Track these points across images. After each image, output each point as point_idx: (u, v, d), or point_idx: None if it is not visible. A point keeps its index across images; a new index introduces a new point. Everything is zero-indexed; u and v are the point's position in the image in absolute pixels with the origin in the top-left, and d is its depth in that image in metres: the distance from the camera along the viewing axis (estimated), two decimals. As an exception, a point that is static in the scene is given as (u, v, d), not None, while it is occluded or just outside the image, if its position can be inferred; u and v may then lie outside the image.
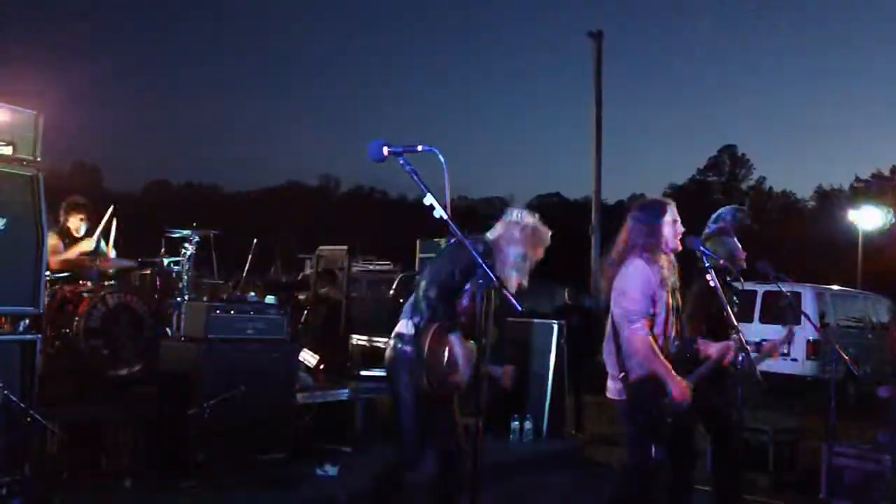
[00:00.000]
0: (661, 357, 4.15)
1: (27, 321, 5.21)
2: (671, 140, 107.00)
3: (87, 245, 7.12)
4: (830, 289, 15.44)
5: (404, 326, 4.24)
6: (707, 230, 5.79)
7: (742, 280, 5.68)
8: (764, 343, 5.23)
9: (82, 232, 7.18)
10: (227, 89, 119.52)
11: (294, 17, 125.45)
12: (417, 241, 8.47)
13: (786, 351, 12.33)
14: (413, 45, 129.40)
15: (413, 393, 4.14)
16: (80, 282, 6.89)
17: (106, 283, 7.05)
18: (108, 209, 7.41)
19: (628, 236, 4.40)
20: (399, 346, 4.22)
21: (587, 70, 17.81)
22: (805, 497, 6.27)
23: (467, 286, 4.17)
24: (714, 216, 5.92)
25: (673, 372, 4.15)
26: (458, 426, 4.36)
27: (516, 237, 4.28)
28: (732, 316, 4.19)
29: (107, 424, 5.74)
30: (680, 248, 4.38)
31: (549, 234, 4.42)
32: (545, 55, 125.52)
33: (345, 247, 11.29)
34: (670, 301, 4.30)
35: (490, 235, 4.38)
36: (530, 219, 4.37)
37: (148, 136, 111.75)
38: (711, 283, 4.25)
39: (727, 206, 6.04)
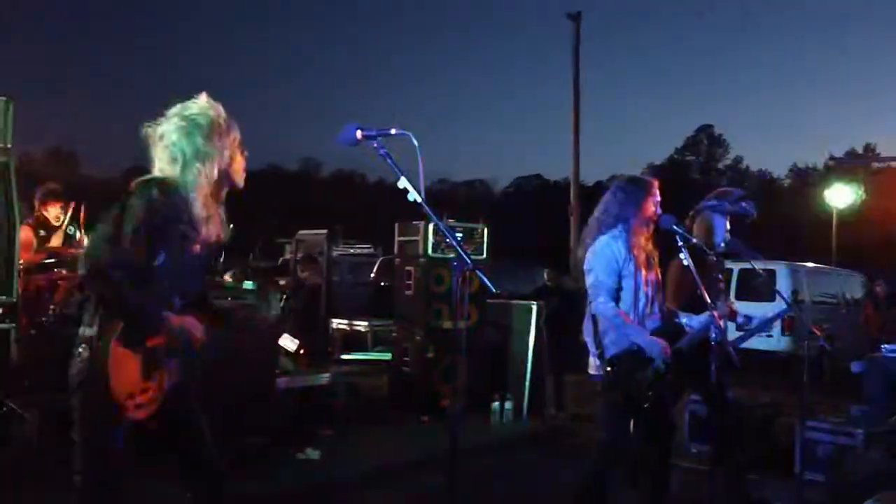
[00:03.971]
0: (629, 322, 4.21)
1: (0, 310, 5.19)
2: (649, 121, 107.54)
3: (62, 235, 7.06)
4: (805, 266, 15.59)
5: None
6: (705, 202, 5.80)
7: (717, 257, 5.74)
8: (753, 320, 5.28)
9: (60, 220, 7.13)
10: (206, 73, 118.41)
11: (272, 1, 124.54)
12: (396, 225, 8.47)
13: (769, 333, 12.50)
14: (392, 28, 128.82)
15: None
16: (56, 269, 6.86)
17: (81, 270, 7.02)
18: (83, 197, 7.36)
19: (608, 207, 4.44)
20: None
21: (566, 51, 17.81)
22: (780, 471, 6.36)
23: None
24: (720, 192, 5.87)
25: (647, 334, 4.21)
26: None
27: None
28: (706, 294, 4.23)
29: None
30: (650, 223, 4.41)
31: None
32: (524, 36, 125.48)
33: (324, 231, 11.29)
34: (644, 275, 4.35)
35: None
36: None
37: (127, 121, 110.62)
38: (685, 262, 4.29)
39: (733, 189, 5.98)
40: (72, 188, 7.52)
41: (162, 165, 3.01)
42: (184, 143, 2.99)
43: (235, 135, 3.14)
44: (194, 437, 3.20)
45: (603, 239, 4.33)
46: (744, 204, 5.78)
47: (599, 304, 4.21)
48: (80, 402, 2.94)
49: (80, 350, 2.92)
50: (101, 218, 2.87)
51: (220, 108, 3.11)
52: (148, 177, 2.98)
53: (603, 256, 4.27)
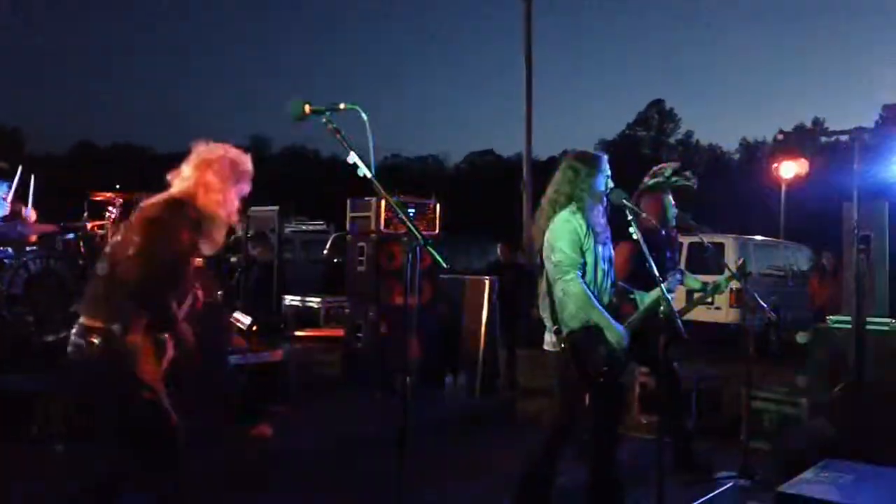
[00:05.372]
0: (597, 304, 4.24)
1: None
2: (601, 96, 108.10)
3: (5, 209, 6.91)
4: (753, 239, 15.84)
5: None
6: (646, 181, 5.87)
7: (668, 232, 5.82)
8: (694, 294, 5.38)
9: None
10: (152, 48, 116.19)
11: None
12: (348, 201, 8.40)
13: (711, 301, 12.69)
14: (342, 2, 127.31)
15: None
16: (1, 248, 6.72)
17: (27, 248, 6.88)
18: (27, 173, 7.20)
19: (560, 186, 4.45)
20: None
21: (518, 25, 17.75)
22: (727, 440, 6.49)
23: None
24: (653, 170, 6.00)
25: (610, 318, 4.24)
26: None
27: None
28: (655, 268, 4.28)
29: (37, 392, 5.65)
30: (607, 201, 4.44)
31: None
32: (477, 12, 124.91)
33: (276, 208, 11.19)
34: (601, 251, 4.38)
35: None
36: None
37: (73, 98, 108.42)
38: (635, 236, 4.32)
39: (669, 164, 6.11)
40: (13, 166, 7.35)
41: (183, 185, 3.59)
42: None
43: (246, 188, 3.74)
44: None
45: (563, 215, 4.32)
46: (687, 174, 5.87)
47: (569, 281, 4.20)
48: (96, 380, 3.45)
49: (93, 340, 3.33)
50: (139, 227, 3.38)
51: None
52: (178, 195, 3.55)
53: (566, 232, 4.26)
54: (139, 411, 3.43)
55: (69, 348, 3.41)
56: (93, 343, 3.32)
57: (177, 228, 3.41)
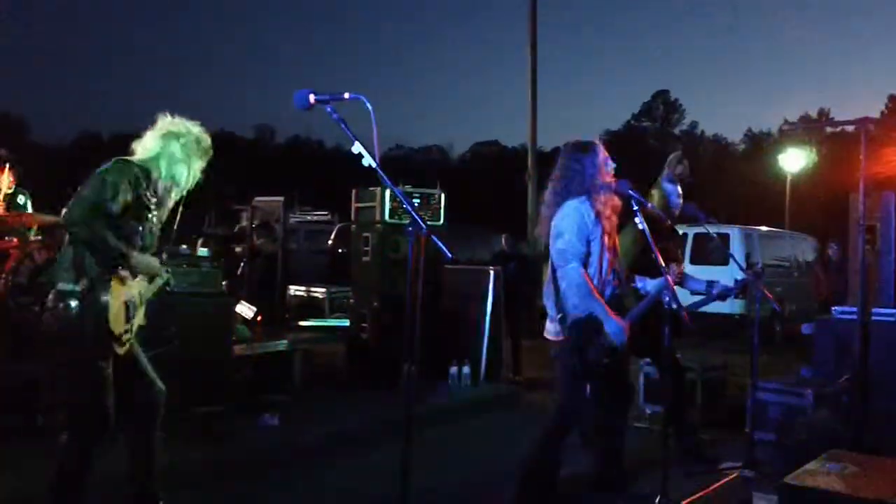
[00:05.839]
0: (598, 295, 4.23)
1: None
2: (606, 86, 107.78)
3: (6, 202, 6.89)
4: (758, 230, 15.81)
5: None
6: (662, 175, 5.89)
7: (672, 223, 5.82)
8: (715, 286, 5.36)
9: (4, 187, 6.94)
10: (156, 40, 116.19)
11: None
12: (353, 191, 8.39)
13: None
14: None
15: None
16: (6, 238, 6.70)
17: (32, 238, 6.87)
18: (32, 163, 7.19)
19: (562, 177, 4.44)
20: None
21: (523, 16, 17.70)
22: (731, 431, 6.49)
23: None
24: (667, 161, 6.01)
25: (610, 310, 4.23)
26: None
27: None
28: (660, 258, 4.27)
29: (41, 382, 5.65)
30: (612, 188, 4.43)
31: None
32: (482, 1, 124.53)
33: (281, 198, 11.16)
34: (607, 241, 4.37)
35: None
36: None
37: (79, 87, 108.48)
38: (640, 226, 4.31)
39: (675, 154, 6.11)
40: (21, 154, 7.32)
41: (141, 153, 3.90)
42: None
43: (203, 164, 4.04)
44: (139, 376, 3.94)
45: (572, 203, 4.30)
46: (677, 168, 5.87)
47: (570, 269, 4.19)
48: (72, 343, 3.64)
49: (69, 303, 3.60)
50: (83, 182, 3.63)
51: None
52: (130, 158, 3.83)
53: (574, 220, 4.25)
54: (84, 372, 3.67)
55: (44, 316, 3.68)
56: (63, 306, 3.60)
57: (115, 179, 3.66)
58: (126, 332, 3.80)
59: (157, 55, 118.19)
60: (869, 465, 4.13)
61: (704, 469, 5.48)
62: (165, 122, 3.97)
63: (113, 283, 3.68)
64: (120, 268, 3.71)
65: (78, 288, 3.61)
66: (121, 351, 3.77)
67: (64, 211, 3.59)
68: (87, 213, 3.56)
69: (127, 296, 3.79)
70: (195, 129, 4.02)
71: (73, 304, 3.60)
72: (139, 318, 3.94)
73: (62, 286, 3.63)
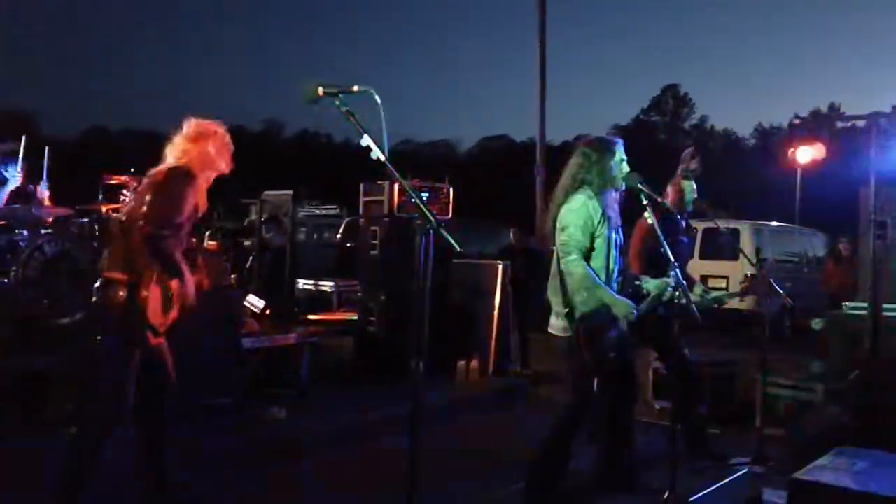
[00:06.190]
0: (599, 282, 4.21)
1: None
2: (615, 80, 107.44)
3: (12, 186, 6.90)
4: (769, 224, 15.74)
5: None
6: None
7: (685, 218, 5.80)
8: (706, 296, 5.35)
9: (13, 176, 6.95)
10: (165, 35, 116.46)
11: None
12: (361, 185, 8.39)
13: (725, 287, 12.64)
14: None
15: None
16: (17, 231, 6.73)
17: (43, 231, 6.90)
18: (44, 155, 7.20)
19: (576, 171, 4.42)
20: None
21: (532, 9, 17.63)
22: (742, 427, 6.47)
23: None
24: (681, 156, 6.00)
25: (615, 293, 4.23)
26: None
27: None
28: (670, 253, 4.25)
29: (51, 374, 5.68)
30: (623, 186, 4.42)
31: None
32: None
33: (290, 192, 11.17)
34: (613, 237, 4.36)
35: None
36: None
37: (87, 81, 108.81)
38: (650, 221, 4.29)
39: (689, 150, 6.10)
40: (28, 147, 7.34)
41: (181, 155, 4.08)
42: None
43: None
44: (158, 376, 4.07)
45: (579, 197, 4.29)
46: (683, 166, 5.85)
47: (570, 260, 4.19)
48: (113, 326, 3.89)
49: (118, 290, 3.84)
50: (148, 189, 3.92)
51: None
52: (178, 164, 4.04)
53: (579, 214, 4.24)
54: (114, 363, 3.90)
55: (93, 297, 3.94)
56: (112, 293, 3.84)
57: (180, 190, 3.93)
58: (162, 324, 4.01)
59: (165, 49, 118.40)
60: (879, 461, 4.11)
61: (713, 465, 5.47)
62: (194, 124, 4.17)
63: (156, 277, 3.89)
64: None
65: (124, 278, 3.86)
66: (154, 342, 3.98)
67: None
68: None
69: (167, 290, 3.98)
70: (221, 129, 4.23)
71: (122, 293, 3.84)
72: (173, 312, 4.09)
73: (110, 275, 3.89)
